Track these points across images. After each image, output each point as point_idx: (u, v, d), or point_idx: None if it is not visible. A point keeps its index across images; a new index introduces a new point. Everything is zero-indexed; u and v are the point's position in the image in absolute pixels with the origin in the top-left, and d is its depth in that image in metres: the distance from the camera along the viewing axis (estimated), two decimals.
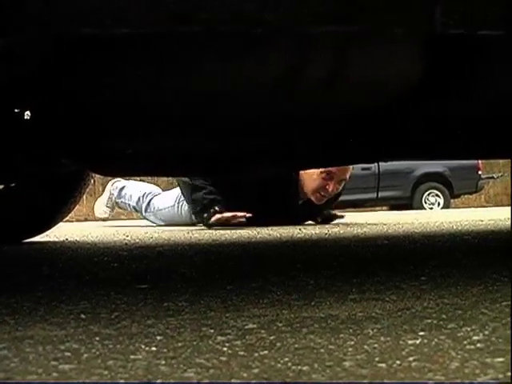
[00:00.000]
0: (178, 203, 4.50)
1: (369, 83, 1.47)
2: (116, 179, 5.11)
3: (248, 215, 3.83)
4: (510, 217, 4.21)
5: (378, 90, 1.51)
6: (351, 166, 4.12)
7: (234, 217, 3.81)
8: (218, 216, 3.78)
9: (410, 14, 0.99)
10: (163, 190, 5.02)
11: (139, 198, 4.83)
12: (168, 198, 4.65)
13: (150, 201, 4.78)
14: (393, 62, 1.42)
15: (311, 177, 4.04)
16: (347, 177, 4.17)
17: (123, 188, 4.98)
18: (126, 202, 4.94)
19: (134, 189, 4.96)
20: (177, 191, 4.58)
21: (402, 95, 1.53)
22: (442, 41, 1.28)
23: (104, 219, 5.01)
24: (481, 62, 1.45)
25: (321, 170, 3.92)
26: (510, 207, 9.46)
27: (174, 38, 1.21)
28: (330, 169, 3.93)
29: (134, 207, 4.91)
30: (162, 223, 4.66)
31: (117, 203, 5.04)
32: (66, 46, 1.23)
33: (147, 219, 4.82)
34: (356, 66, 1.40)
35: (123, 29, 0.96)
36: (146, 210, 4.80)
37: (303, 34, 1.18)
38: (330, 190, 4.10)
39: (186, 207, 4.41)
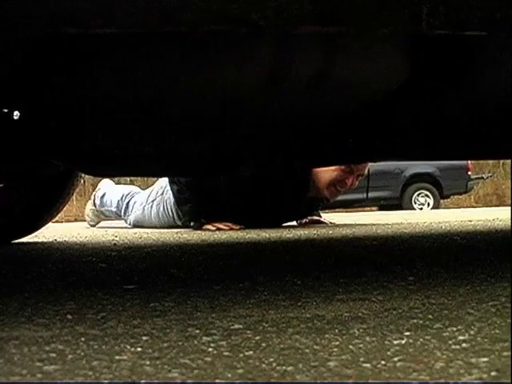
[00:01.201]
0: (148, 204, 4.34)
1: (356, 83, 1.47)
2: (97, 188, 4.95)
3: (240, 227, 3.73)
4: (498, 217, 4.23)
5: (365, 89, 1.51)
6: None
7: (228, 227, 3.71)
8: (208, 226, 3.71)
9: (395, 14, 0.99)
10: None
11: (118, 202, 4.67)
12: (141, 199, 4.48)
13: (128, 203, 4.61)
14: (382, 61, 1.42)
15: (329, 169, 3.75)
16: (365, 172, 3.96)
17: (104, 195, 4.81)
18: (109, 208, 4.76)
19: (113, 194, 4.79)
20: (149, 190, 4.44)
21: (391, 94, 1.53)
22: (431, 40, 1.29)
23: (92, 225, 4.85)
24: (472, 61, 1.45)
25: None
26: (498, 207, 9.47)
27: (163, 38, 1.21)
28: None
29: (116, 212, 4.74)
30: (138, 225, 4.51)
31: (102, 212, 4.86)
32: (55, 45, 1.23)
33: (127, 223, 4.66)
34: (343, 66, 1.40)
35: (109, 29, 0.96)
36: (125, 213, 4.63)
37: (290, 34, 1.18)
38: (349, 184, 3.86)
39: (155, 208, 4.26)
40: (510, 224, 3.46)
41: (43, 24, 0.93)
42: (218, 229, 3.69)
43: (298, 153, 2.04)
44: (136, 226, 4.44)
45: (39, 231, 3.06)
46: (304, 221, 4.24)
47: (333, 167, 3.72)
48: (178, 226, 4.07)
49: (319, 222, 4.26)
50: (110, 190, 4.85)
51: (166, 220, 4.17)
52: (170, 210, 4.13)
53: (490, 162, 14.90)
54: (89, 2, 0.92)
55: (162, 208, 4.20)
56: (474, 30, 1.03)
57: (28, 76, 1.35)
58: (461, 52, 1.40)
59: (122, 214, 4.64)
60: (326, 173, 3.80)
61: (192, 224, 3.82)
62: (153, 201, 4.28)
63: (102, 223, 5.02)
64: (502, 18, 1.01)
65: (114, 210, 4.71)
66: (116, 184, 5.14)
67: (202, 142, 1.81)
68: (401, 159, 2.60)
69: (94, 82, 1.42)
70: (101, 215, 4.90)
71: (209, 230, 3.69)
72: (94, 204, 4.81)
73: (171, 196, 4.08)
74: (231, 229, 3.70)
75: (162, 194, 4.19)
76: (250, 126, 1.69)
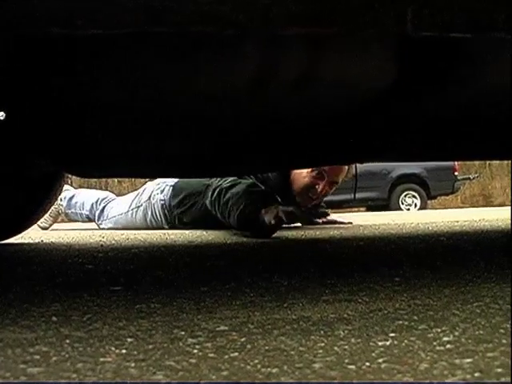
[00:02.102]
0: (132, 209, 4.24)
1: (342, 84, 1.47)
2: (65, 188, 4.53)
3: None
4: (484, 218, 4.25)
5: (352, 90, 1.51)
6: (345, 169, 3.71)
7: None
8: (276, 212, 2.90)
9: (380, 15, 0.99)
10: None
11: (92, 205, 4.51)
12: (122, 205, 4.36)
13: (104, 207, 4.45)
14: (369, 62, 1.42)
15: (300, 175, 3.62)
16: (339, 180, 3.74)
17: (73, 197, 4.63)
18: (78, 211, 4.59)
19: (86, 196, 4.62)
20: (132, 196, 4.33)
21: (379, 95, 1.53)
22: (418, 41, 1.29)
23: (43, 228, 4.51)
24: (459, 63, 1.46)
25: (311, 168, 3.51)
26: (485, 208, 9.50)
27: (150, 39, 1.21)
28: (322, 167, 3.51)
29: (87, 216, 4.55)
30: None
31: (66, 214, 4.68)
32: (43, 46, 1.22)
33: (100, 227, 4.45)
34: (331, 67, 1.40)
35: (95, 29, 0.95)
36: (99, 218, 4.46)
37: (276, 35, 1.18)
38: (320, 190, 3.65)
39: (141, 213, 4.17)
40: (495, 224, 3.47)
41: (26, 24, 0.93)
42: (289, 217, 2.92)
43: (287, 153, 2.04)
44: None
45: (25, 232, 3.05)
46: (321, 221, 4.11)
47: (304, 173, 3.61)
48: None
49: (335, 222, 4.15)
50: (81, 193, 4.71)
51: (154, 224, 4.13)
52: (158, 215, 4.09)
53: (477, 162, 14.96)
54: (73, 2, 0.92)
55: (150, 213, 4.14)
56: (459, 32, 1.03)
57: (15, 76, 1.35)
58: (448, 53, 1.40)
59: (96, 218, 4.48)
60: (299, 178, 3.66)
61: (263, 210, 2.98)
62: (138, 206, 4.22)
63: (63, 225, 4.86)
64: (486, 20, 1.01)
65: (86, 213, 4.55)
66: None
67: (192, 142, 1.81)
68: (391, 160, 2.60)
69: (83, 84, 1.41)
70: (59, 217, 4.70)
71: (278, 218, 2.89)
72: (59, 204, 4.59)
73: (159, 201, 4.04)
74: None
75: (149, 199, 4.13)
76: (238, 127, 1.69)
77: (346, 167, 3.73)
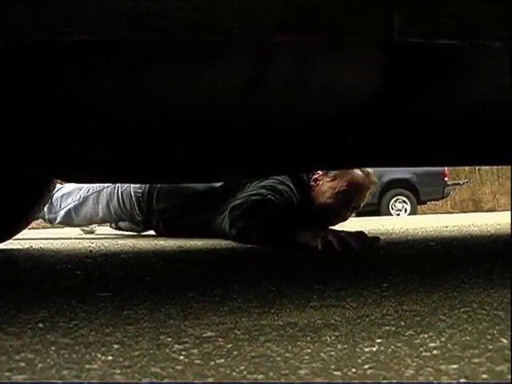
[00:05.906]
0: (93, 194, 3.81)
1: (331, 91, 1.47)
2: None
3: None
4: (474, 223, 4.26)
5: (342, 96, 1.52)
6: (368, 192, 3.31)
7: None
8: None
9: (367, 22, 1.00)
10: None
11: None
12: (76, 190, 3.89)
13: (52, 197, 3.90)
14: (357, 67, 1.42)
15: (324, 194, 3.21)
16: (361, 206, 3.33)
17: None
18: None
19: None
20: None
21: (369, 99, 1.53)
22: (407, 46, 1.29)
23: None
24: (450, 67, 1.46)
25: (337, 189, 3.14)
26: (474, 213, 9.51)
27: (138, 46, 1.21)
28: (346, 189, 3.15)
29: None
30: (69, 220, 3.91)
31: None
32: (27, 52, 1.22)
33: (52, 222, 4.02)
34: (318, 75, 1.41)
35: (82, 36, 0.95)
36: (50, 211, 3.96)
37: (265, 42, 1.18)
38: (343, 215, 3.28)
39: (104, 198, 3.75)
40: (485, 230, 3.48)
41: (11, 31, 0.93)
42: None
43: (276, 159, 2.05)
44: (64, 221, 3.92)
45: (13, 238, 3.04)
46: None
47: (327, 194, 3.24)
48: (134, 222, 3.74)
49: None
50: None
51: (118, 213, 3.76)
52: (128, 203, 3.71)
53: (467, 168, 15.02)
54: (58, 9, 0.92)
55: (115, 199, 3.74)
56: (446, 39, 1.03)
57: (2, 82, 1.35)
58: (438, 57, 1.41)
59: (46, 212, 3.96)
60: (322, 197, 3.26)
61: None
62: (99, 190, 3.80)
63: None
64: (472, 27, 1.02)
65: None
66: None
67: (184, 148, 1.81)
68: (380, 166, 2.60)
69: (71, 89, 1.41)
70: None
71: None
72: None
73: (132, 192, 3.67)
74: None
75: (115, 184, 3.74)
76: (229, 132, 1.70)
77: (368, 192, 3.43)
